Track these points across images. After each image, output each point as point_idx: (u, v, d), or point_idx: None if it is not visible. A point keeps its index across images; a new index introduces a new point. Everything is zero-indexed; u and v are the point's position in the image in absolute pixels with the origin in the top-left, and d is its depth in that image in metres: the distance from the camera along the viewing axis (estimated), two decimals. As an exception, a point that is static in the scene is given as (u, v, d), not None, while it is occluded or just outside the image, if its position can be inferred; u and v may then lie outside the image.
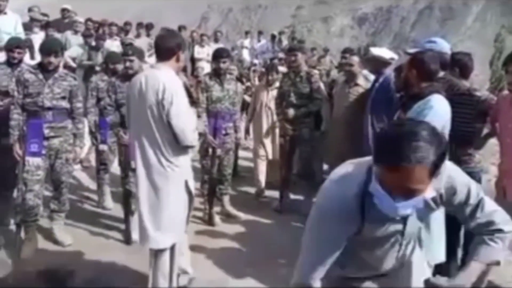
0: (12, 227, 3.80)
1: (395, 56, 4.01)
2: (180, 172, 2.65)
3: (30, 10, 7.06)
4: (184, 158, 2.68)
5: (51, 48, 3.50)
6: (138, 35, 7.93)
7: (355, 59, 4.27)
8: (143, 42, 7.58)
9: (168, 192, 2.63)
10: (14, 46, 3.90)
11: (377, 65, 3.89)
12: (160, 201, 2.64)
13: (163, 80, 2.53)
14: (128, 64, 3.77)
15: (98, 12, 13.29)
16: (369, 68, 4.11)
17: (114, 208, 4.51)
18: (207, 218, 4.28)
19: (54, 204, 3.71)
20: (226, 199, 4.50)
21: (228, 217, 4.44)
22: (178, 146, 2.60)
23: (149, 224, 2.66)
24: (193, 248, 3.44)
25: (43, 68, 3.49)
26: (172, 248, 2.75)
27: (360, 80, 4.20)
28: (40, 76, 3.46)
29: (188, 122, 2.61)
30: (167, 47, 2.61)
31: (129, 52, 3.83)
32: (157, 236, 2.66)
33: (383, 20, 20.94)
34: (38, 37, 6.10)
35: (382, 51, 4.08)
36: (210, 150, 4.19)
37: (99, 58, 6.33)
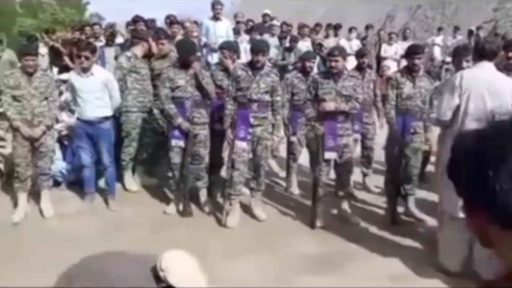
0: (219, 199, 4.55)
1: None
2: None
3: (235, 16, 8.14)
4: None
5: (259, 48, 4.03)
6: (327, 36, 8.27)
7: None
8: (332, 42, 7.89)
9: None
10: (225, 48, 4.60)
11: None
12: None
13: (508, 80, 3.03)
14: (333, 64, 3.95)
15: (284, 13, 14.22)
16: None
17: (299, 195, 4.90)
18: (390, 216, 4.25)
19: (253, 184, 4.26)
20: (411, 200, 4.37)
21: (410, 218, 4.32)
22: None
23: None
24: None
25: (252, 66, 4.04)
26: None
27: None
28: (250, 72, 4.02)
29: None
30: (493, 50, 3.11)
31: (335, 52, 3.99)
32: None
33: None
34: (242, 39, 7.01)
35: None
36: (397, 148, 4.15)
37: (292, 58, 6.88)
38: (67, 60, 6.72)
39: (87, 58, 4.04)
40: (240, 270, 3.34)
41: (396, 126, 4.09)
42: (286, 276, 3.30)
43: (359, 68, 4.74)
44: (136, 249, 2.37)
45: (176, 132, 4.07)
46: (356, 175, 5.02)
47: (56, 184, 4.60)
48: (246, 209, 4.31)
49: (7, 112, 3.97)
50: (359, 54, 4.87)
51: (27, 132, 3.92)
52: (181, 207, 4.22)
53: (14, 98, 3.92)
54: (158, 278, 2.04)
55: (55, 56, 6.79)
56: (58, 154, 4.64)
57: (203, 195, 4.33)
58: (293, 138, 4.91)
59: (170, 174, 4.34)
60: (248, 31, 7.55)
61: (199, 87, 4.10)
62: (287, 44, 7.29)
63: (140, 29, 6.35)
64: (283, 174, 5.36)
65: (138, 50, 4.68)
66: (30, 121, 3.94)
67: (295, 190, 4.95)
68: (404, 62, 8.06)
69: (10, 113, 3.93)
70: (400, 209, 4.29)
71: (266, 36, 7.54)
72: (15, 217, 4.00)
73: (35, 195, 4.29)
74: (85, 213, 4.23)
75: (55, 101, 4.15)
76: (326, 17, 18.87)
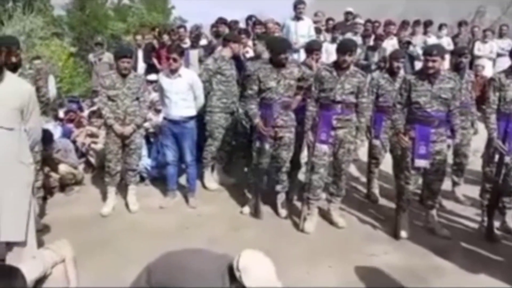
0: (296, 202, 4.47)
1: None
2: None
3: (315, 15, 7.97)
4: None
5: (347, 47, 3.86)
6: (413, 33, 7.79)
7: None
8: (419, 40, 7.41)
9: None
10: (313, 48, 4.50)
11: None
12: None
13: None
14: (430, 64, 3.64)
15: (363, 10, 13.67)
16: None
17: (381, 202, 4.66)
18: (484, 231, 3.88)
19: (332, 188, 4.12)
20: (509, 214, 3.95)
21: (506, 233, 3.92)
22: None
23: None
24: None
25: (338, 66, 3.88)
26: None
27: None
28: (334, 73, 3.87)
29: None
30: None
31: (433, 51, 3.65)
32: None
33: None
34: (323, 38, 6.86)
35: None
36: (497, 156, 3.75)
37: (376, 57, 6.57)
38: (154, 61, 7.07)
39: (175, 60, 4.17)
40: (317, 277, 3.24)
41: (496, 132, 3.71)
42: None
43: (457, 68, 4.36)
44: (213, 246, 2.39)
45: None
46: (444, 183, 4.66)
47: (141, 179, 4.83)
48: (324, 214, 4.18)
49: (102, 110, 4.24)
50: (458, 53, 4.46)
51: (119, 130, 4.15)
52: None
53: (109, 97, 4.15)
54: (232, 277, 2.03)
55: (148, 54, 7.17)
56: (144, 151, 4.86)
57: (280, 198, 4.26)
58: (376, 142, 4.68)
59: (249, 174, 4.34)
60: (328, 30, 7.37)
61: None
62: (371, 43, 6.98)
63: (222, 30, 6.49)
64: (363, 179, 5.15)
65: (227, 51, 4.75)
66: (123, 120, 4.16)
67: (377, 197, 4.71)
68: (500, 62, 7.38)
69: (105, 111, 4.19)
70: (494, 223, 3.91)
71: (349, 35, 7.30)
72: (104, 210, 4.25)
73: (122, 189, 4.53)
74: (166, 208, 4.38)
75: (145, 101, 4.35)
76: (407, 14, 17.91)
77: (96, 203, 4.45)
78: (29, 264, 2.10)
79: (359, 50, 6.89)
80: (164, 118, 4.50)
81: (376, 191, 4.75)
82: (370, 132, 4.66)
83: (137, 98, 4.21)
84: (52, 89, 5.55)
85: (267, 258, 2.09)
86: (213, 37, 6.78)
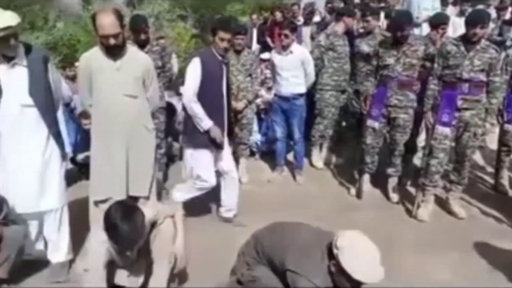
0: (409, 187, 4.19)
1: None
2: None
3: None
4: None
5: (478, 19, 3.44)
6: None
7: None
8: None
9: None
10: (439, 22, 4.11)
11: None
12: None
13: None
14: None
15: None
16: None
17: (510, 194, 4.15)
18: None
19: (453, 176, 3.76)
20: None
21: None
22: None
23: None
24: None
25: (466, 40, 3.48)
26: None
27: None
28: (462, 48, 3.47)
29: None
30: None
31: None
32: None
33: None
34: (450, 12, 6.21)
35: None
36: None
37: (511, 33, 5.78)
38: (268, 39, 7.19)
39: (287, 36, 4.14)
40: (429, 268, 3.02)
41: None
42: (486, 282, 2.84)
43: None
44: (317, 224, 2.38)
45: (374, 112, 3.80)
46: None
47: (251, 153, 4.99)
48: (442, 203, 3.86)
49: (217, 86, 4.44)
50: None
51: (232, 104, 4.31)
52: (366, 187, 4.08)
53: (224, 73, 4.33)
54: (331, 255, 1.99)
55: (262, 33, 7.35)
56: (255, 126, 5.00)
57: (392, 182, 4.04)
58: (509, 127, 4.11)
59: (358, 154, 4.20)
60: (456, 3, 6.65)
61: None
62: (507, 16, 6.12)
63: (337, 6, 6.27)
64: (489, 169, 4.62)
65: (340, 26, 4.58)
66: (236, 95, 4.28)
67: (506, 189, 4.19)
68: None
69: None
70: None
71: (480, 8, 6.50)
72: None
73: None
74: (274, 183, 4.48)
75: (257, 78, 4.42)
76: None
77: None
78: (147, 207, 2.41)
79: (492, 25, 6.12)
80: (275, 95, 4.56)
81: (505, 182, 4.23)
82: (502, 115, 4.12)
83: (250, 75, 4.30)
84: (174, 66, 6.04)
85: (370, 241, 2.01)
86: (327, 13, 6.60)
